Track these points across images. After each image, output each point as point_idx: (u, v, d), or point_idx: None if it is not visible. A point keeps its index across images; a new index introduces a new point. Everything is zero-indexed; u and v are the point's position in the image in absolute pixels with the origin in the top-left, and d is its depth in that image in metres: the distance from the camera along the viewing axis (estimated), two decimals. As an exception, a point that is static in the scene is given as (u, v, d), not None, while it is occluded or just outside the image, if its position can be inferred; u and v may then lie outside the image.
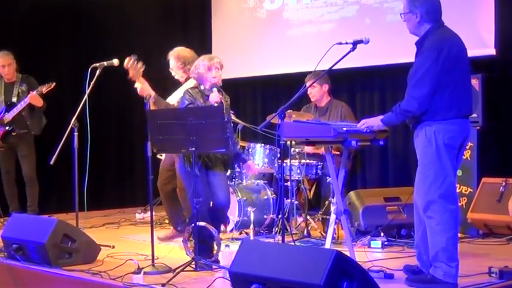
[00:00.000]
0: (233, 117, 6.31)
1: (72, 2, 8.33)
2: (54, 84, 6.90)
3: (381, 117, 4.36)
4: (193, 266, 4.65)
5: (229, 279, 3.92)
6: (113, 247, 5.52)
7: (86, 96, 5.92)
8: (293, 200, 6.14)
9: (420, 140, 4.19)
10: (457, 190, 6.01)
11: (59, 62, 8.35)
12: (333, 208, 4.86)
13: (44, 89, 6.88)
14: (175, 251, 5.44)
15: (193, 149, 4.63)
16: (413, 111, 4.14)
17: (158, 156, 6.15)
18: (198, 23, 9.15)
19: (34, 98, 6.92)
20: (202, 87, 5.07)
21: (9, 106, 7.07)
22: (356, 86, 7.79)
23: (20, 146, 7.13)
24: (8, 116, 7.04)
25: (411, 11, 4.21)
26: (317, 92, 6.60)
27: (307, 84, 5.89)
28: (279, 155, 6.18)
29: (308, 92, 6.48)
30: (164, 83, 6.35)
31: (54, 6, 8.14)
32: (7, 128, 7.04)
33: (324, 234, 5.92)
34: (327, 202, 6.13)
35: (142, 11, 8.76)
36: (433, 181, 4.11)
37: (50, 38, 8.29)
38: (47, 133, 7.28)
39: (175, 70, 5.93)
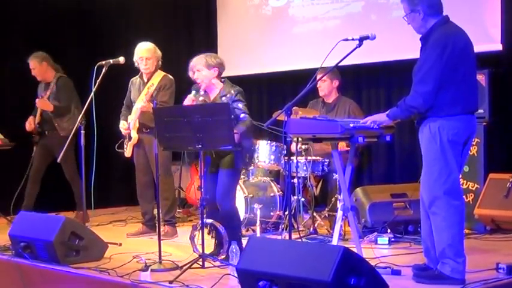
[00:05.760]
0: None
1: (77, 2, 8.35)
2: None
3: (387, 112, 4.35)
4: (201, 263, 4.66)
5: (236, 276, 3.92)
6: (120, 245, 5.53)
7: (92, 94, 5.94)
8: (300, 197, 6.14)
9: (425, 136, 4.19)
10: (464, 186, 6.03)
11: (65, 60, 8.34)
12: (339, 205, 4.86)
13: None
14: (183, 249, 5.45)
15: (200, 146, 4.64)
16: (418, 107, 4.13)
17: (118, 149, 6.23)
18: (203, 20, 9.14)
19: (41, 103, 6.96)
20: None
21: None
22: (362, 82, 7.77)
23: (56, 149, 6.95)
24: (37, 117, 7.09)
25: (413, 10, 4.20)
26: (326, 87, 6.59)
27: (318, 77, 5.81)
28: (285, 152, 6.18)
29: (317, 86, 6.47)
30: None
31: (59, 6, 8.16)
32: (39, 129, 7.06)
33: (330, 230, 5.92)
34: (333, 199, 6.13)
35: (147, 9, 8.77)
36: (437, 177, 4.11)
37: (55, 36, 8.30)
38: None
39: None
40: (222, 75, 5.20)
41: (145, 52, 6.09)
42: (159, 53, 6.17)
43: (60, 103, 6.99)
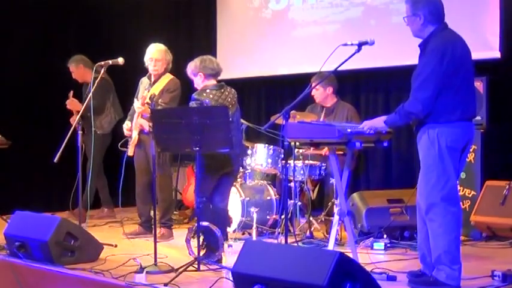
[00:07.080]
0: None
1: (78, 1, 8.34)
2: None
3: (384, 118, 4.35)
4: (196, 265, 4.65)
5: (232, 279, 3.92)
6: (116, 246, 5.53)
7: (91, 94, 5.94)
8: (296, 201, 6.13)
9: (423, 142, 4.19)
10: (461, 193, 6.03)
11: (64, 60, 8.35)
12: (336, 209, 4.85)
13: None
14: (178, 251, 5.44)
15: (197, 148, 4.63)
16: (417, 113, 4.13)
17: (121, 148, 6.23)
18: (203, 22, 9.14)
19: (71, 104, 7.04)
20: None
21: None
22: (361, 87, 7.77)
23: (88, 146, 6.94)
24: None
25: (414, 14, 4.21)
26: (320, 94, 6.60)
27: (312, 85, 5.88)
28: (282, 156, 6.18)
29: (312, 93, 6.47)
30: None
31: (59, 6, 8.15)
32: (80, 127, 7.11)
33: (326, 235, 5.92)
34: (330, 203, 6.13)
35: (148, 12, 8.76)
36: (435, 184, 4.11)
37: (56, 35, 8.30)
38: (51, 131, 7.28)
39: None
40: (220, 78, 5.20)
41: (155, 54, 6.08)
42: (169, 56, 6.15)
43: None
